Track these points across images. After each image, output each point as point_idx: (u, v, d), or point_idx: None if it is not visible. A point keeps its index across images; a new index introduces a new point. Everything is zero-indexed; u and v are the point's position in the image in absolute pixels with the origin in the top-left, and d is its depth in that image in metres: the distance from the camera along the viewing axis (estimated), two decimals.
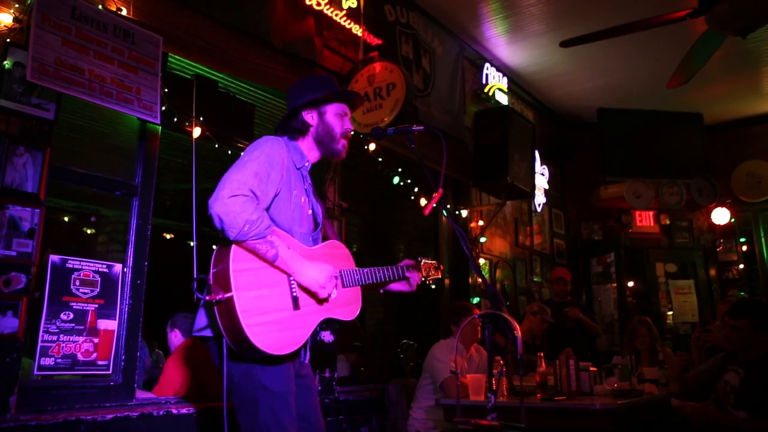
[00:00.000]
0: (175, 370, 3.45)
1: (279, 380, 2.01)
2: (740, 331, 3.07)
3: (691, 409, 3.07)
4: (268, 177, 2.01)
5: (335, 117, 2.29)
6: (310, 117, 2.28)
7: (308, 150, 2.29)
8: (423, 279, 2.54)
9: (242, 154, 2.07)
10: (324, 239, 2.35)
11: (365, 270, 2.32)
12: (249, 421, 1.98)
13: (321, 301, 2.12)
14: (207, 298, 1.88)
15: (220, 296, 1.86)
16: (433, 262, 2.61)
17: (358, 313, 2.30)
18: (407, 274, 2.47)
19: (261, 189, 1.97)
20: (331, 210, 4.20)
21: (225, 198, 1.86)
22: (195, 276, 1.90)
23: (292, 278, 2.04)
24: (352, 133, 2.36)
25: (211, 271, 1.94)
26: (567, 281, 5.85)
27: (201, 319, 2.05)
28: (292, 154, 2.22)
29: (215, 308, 1.89)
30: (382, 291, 2.53)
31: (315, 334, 2.14)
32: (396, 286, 2.51)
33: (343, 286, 2.22)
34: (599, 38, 4.15)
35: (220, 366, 2.01)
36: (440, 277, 2.65)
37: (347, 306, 2.25)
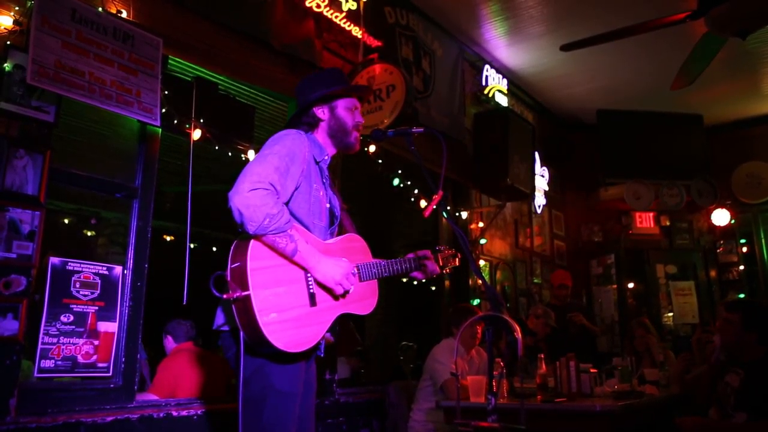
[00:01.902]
0: (166, 372, 3.53)
1: (289, 381, 2.01)
2: (731, 324, 3.14)
3: (692, 423, 3.09)
4: (287, 171, 2.00)
5: (346, 111, 2.30)
6: (321, 112, 2.28)
7: (325, 144, 2.30)
8: (441, 268, 2.49)
9: (263, 147, 2.06)
10: (341, 232, 2.34)
11: (382, 263, 2.29)
12: (252, 421, 1.97)
13: (337, 297, 2.11)
14: (224, 296, 1.88)
15: (238, 294, 1.86)
16: (450, 250, 2.57)
17: (374, 306, 2.27)
18: (425, 263, 2.43)
19: (281, 183, 1.96)
20: None
21: (245, 191, 1.85)
22: (186, 279, 1.88)
23: (309, 274, 2.03)
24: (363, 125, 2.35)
25: (229, 266, 1.93)
26: (569, 287, 5.87)
27: (219, 316, 2.07)
28: (313, 147, 2.22)
29: (233, 305, 1.90)
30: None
31: (331, 329, 2.13)
32: (413, 273, 2.47)
33: (360, 280, 2.20)
34: (599, 42, 4.15)
35: (235, 359, 2.01)
36: (458, 264, 2.60)
37: (363, 300, 2.23)
